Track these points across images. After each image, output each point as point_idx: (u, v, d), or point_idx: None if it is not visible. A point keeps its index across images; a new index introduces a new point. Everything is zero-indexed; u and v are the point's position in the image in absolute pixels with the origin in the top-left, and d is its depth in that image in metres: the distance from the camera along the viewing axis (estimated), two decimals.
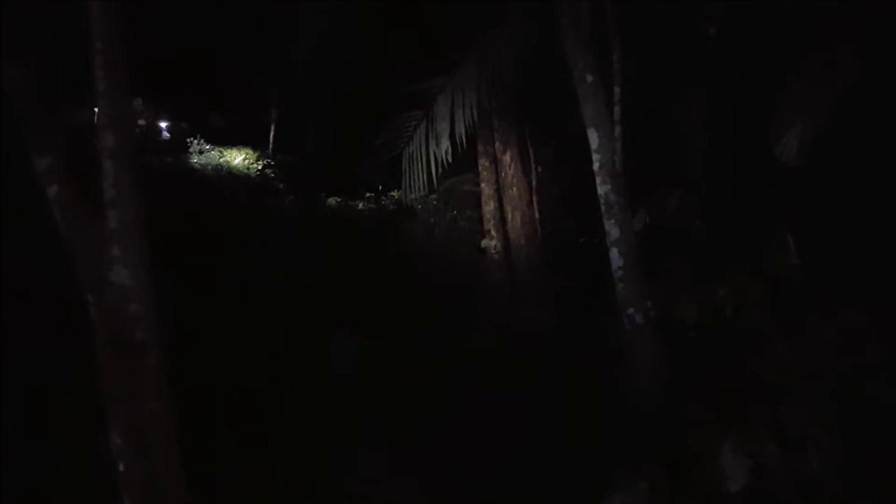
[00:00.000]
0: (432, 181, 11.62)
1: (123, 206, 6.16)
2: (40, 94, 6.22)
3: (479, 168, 14.49)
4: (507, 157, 14.10)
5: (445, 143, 11.29)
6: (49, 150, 6.20)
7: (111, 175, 6.12)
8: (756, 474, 7.21)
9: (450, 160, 11.51)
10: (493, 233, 14.30)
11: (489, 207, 14.38)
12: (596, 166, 9.34)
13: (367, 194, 18.30)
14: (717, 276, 9.67)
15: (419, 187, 11.51)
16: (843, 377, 7.48)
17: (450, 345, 10.85)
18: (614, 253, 9.23)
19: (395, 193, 16.64)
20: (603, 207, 9.32)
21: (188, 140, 20.42)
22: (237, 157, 20.39)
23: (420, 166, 11.40)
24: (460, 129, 11.12)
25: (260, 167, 19.91)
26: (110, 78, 6.08)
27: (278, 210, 16.29)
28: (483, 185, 14.47)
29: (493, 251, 14.25)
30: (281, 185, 18.95)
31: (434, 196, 15.49)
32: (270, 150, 21.62)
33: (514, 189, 14.10)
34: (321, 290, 11.05)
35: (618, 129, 9.43)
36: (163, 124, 21.22)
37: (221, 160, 19.88)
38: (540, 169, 14.53)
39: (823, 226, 9.46)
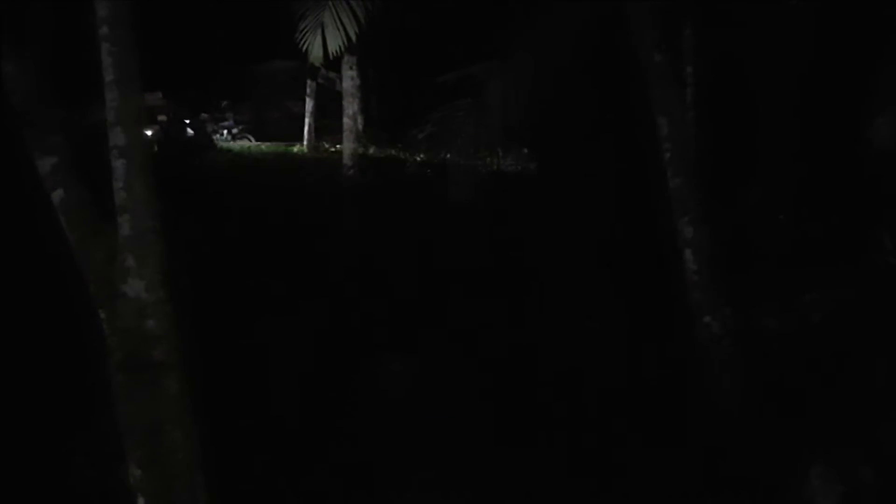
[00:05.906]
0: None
1: (137, 211, 5.93)
2: (41, 88, 6.07)
3: None
4: None
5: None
6: (52, 150, 6.03)
7: (122, 176, 5.89)
8: (849, 501, 7.01)
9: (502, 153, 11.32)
10: None
11: None
12: (667, 157, 8.94)
13: None
14: (803, 280, 9.37)
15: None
16: None
17: (508, 358, 10.56)
18: (688, 254, 8.86)
19: None
20: (675, 203, 8.94)
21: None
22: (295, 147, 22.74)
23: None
24: (514, 119, 10.84)
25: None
26: (119, 68, 5.83)
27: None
28: None
29: None
30: None
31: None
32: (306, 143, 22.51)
33: None
34: (360, 302, 10.87)
35: (691, 115, 9.07)
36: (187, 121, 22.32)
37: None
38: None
39: None
